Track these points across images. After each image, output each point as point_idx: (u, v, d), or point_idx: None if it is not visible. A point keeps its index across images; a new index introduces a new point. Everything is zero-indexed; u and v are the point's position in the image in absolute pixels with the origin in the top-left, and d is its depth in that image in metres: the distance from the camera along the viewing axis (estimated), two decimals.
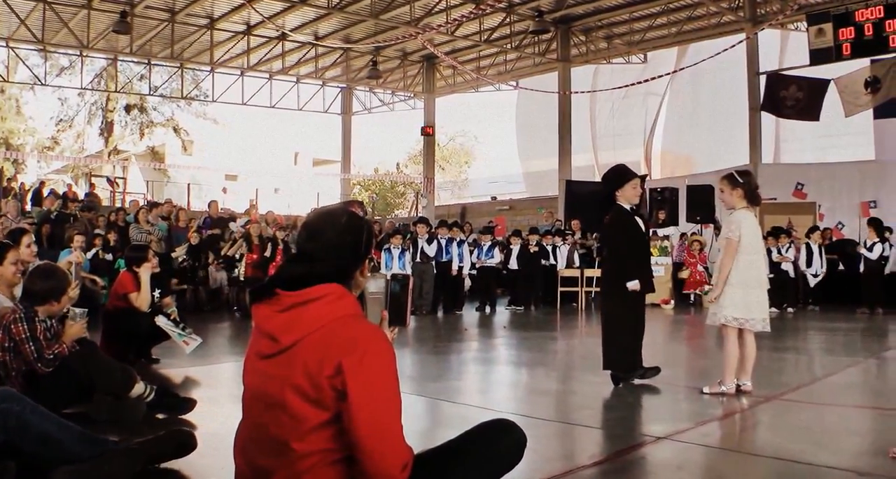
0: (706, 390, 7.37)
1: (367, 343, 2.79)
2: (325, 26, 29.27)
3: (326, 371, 2.71)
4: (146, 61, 31.23)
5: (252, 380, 2.97)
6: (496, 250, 19.88)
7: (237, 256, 17.85)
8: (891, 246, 18.40)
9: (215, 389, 7.89)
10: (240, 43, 30.50)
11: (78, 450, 4.30)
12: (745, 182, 7.40)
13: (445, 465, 3.08)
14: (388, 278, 3.60)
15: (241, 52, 31.06)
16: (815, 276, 19.22)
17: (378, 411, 2.73)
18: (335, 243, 2.99)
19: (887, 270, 18.28)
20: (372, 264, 2.87)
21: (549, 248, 20.51)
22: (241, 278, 17.44)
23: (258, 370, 2.92)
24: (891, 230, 19.02)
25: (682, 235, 21.36)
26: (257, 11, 24.80)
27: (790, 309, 18.06)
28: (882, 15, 22.05)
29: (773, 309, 17.61)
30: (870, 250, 18.25)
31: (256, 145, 50.11)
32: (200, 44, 29.80)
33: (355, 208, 3.19)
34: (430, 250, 18.33)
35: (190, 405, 6.40)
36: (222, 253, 18.58)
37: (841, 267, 20.26)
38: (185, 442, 4.86)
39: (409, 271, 17.82)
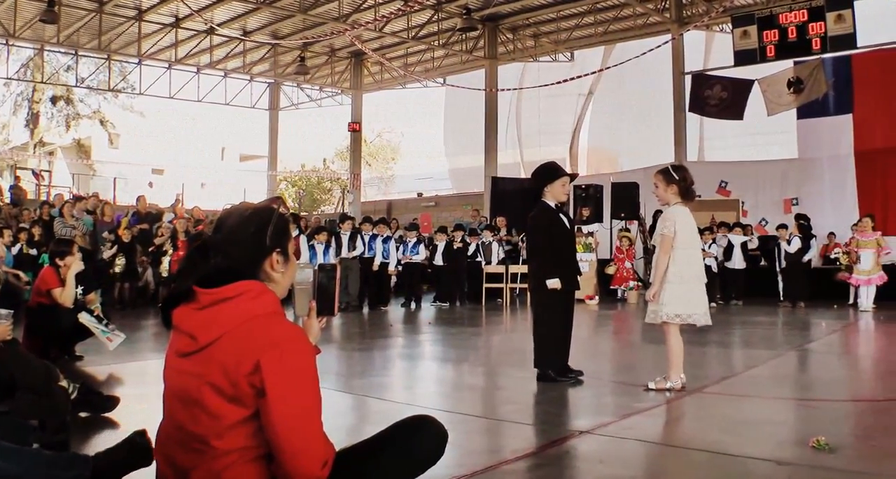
0: (651, 386, 7.31)
1: (285, 341, 2.74)
2: (254, 21, 29.06)
3: (244, 369, 2.67)
4: (73, 52, 30.80)
5: (171, 378, 2.90)
6: (421, 247, 19.86)
7: (164, 250, 17.64)
8: (809, 241, 18.75)
9: (139, 386, 7.74)
10: (168, 36, 30.17)
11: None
12: (680, 178, 7.33)
13: (366, 461, 3.05)
14: (315, 268, 3.57)
15: (169, 44, 30.71)
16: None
17: (296, 408, 2.70)
18: (236, 233, 2.93)
19: (809, 257, 18.69)
20: (285, 259, 2.79)
21: (476, 245, 20.52)
22: (166, 275, 17.23)
23: (177, 368, 2.85)
24: (810, 227, 19.35)
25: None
26: (186, 4, 24.63)
27: (713, 304, 18.25)
28: (805, 18, 22.55)
29: (714, 303, 17.95)
30: (791, 245, 18.54)
31: (183, 140, 49.65)
32: (128, 35, 29.40)
33: (275, 204, 3.12)
34: (357, 247, 18.27)
35: (113, 402, 6.26)
36: (150, 249, 18.35)
37: (763, 262, 20.61)
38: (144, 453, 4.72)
39: None
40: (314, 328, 3.23)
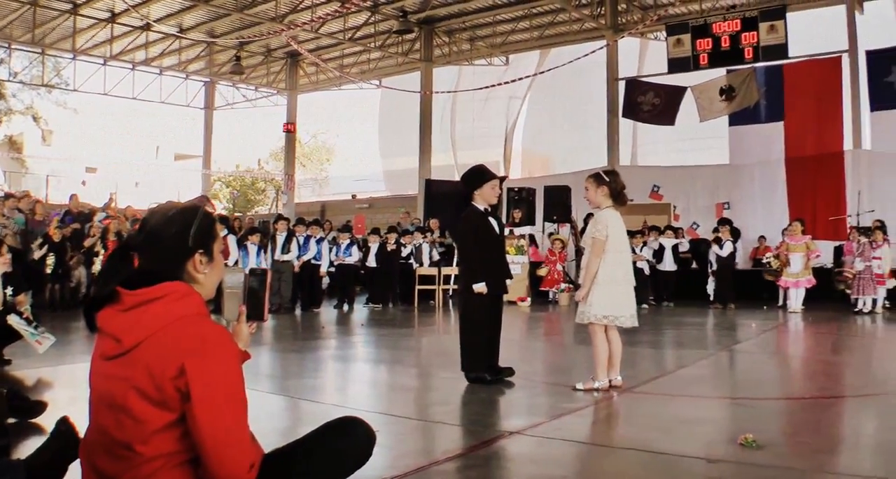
0: (579, 386, 7.35)
1: (210, 344, 2.71)
2: (190, 18, 28.77)
3: (169, 373, 2.63)
4: (6, 45, 30.19)
5: (96, 382, 2.84)
6: (354, 249, 19.78)
7: (94, 252, 17.41)
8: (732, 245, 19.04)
9: (69, 390, 7.58)
10: (103, 31, 29.66)
11: None
12: (610, 181, 7.39)
13: (294, 463, 3.02)
14: (247, 272, 3.49)
15: (105, 40, 30.25)
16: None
17: (222, 412, 2.66)
18: (158, 233, 2.89)
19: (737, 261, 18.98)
20: (206, 258, 2.75)
21: (410, 247, 20.52)
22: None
23: (102, 372, 2.80)
24: (738, 232, 19.61)
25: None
26: None
27: (644, 306, 18.40)
28: (739, 28, 22.94)
29: (645, 305, 18.06)
30: (721, 248, 18.77)
31: (118, 137, 49.03)
32: (63, 29, 28.98)
33: (203, 203, 3.06)
34: (293, 249, 18.20)
35: (41, 407, 6.13)
36: (81, 249, 18.08)
37: (695, 265, 20.86)
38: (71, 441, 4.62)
39: (266, 267, 17.63)
40: (244, 333, 3.21)
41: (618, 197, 7.43)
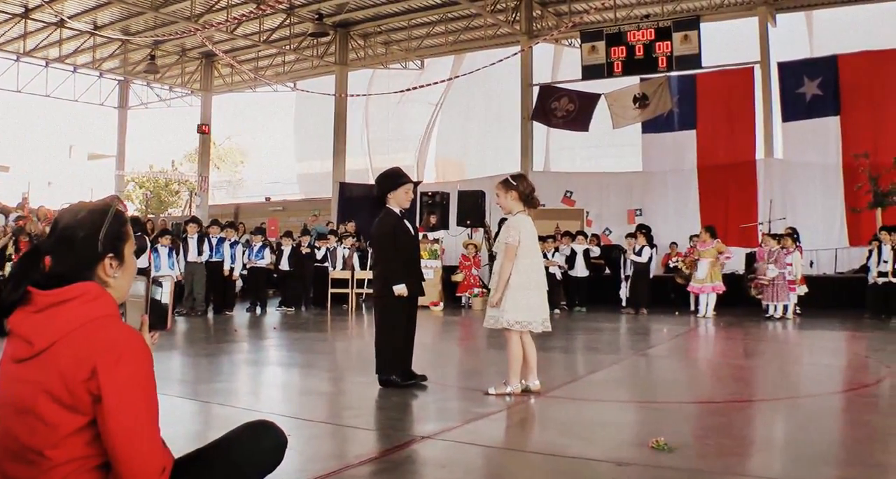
0: (492, 391, 7.31)
1: (122, 345, 2.64)
2: (105, 15, 28.34)
3: (81, 375, 2.55)
4: None
5: (5, 386, 2.74)
6: (266, 251, 19.63)
7: (7, 254, 17.06)
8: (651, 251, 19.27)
9: None
10: (17, 26, 29.09)
11: None
12: (518, 185, 7.41)
13: (204, 468, 2.97)
14: (149, 280, 3.40)
15: (18, 36, 29.68)
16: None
17: (132, 415, 2.59)
18: (67, 236, 2.81)
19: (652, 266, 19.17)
20: (119, 262, 2.68)
21: (323, 250, 20.43)
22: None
23: (11, 376, 2.70)
24: (651, 237, 19.85)
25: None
26: None
27: (557, 311, 18.49)
28: (653, 37, 23.20)
29: (557, 310, 18.14)
30: (638, 254, 18.96)
31: (30, 136, 48.05)
32: None
33: (115, 204, 2.99)
34: (204, 251, 18.02)
35: None
36: None
37: (607, 271, 21.05)
38: None
39: (178, 270, 17.43)
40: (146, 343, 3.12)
41: (528, 200, 7.47)
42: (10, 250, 17.13)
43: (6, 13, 28.14)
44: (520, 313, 7.28)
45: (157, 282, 3.09)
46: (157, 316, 3.06)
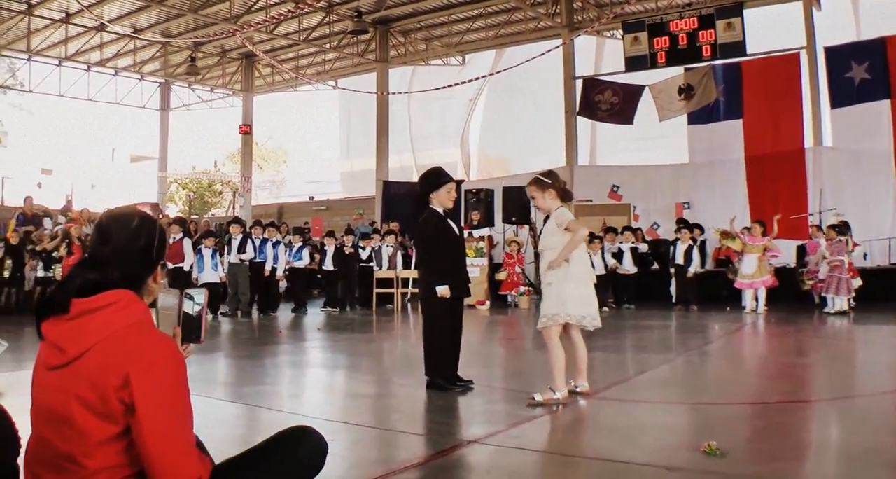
0: (537, 398, 6.93)
1: (155, 353, 2.60)
2: (145, 19, 28.45)
3: (114, 383, 2.51)
4: None
5: (38, 393, 2.74)
6: (305, 252, 19.60)
7: (56, 255, 17.16)
8: (700, 246, 19.00)
9: (21, 396, 7.39)
10: (58, 31, 29.31)
11: None
12: (553, 182, 7.26)
13: (244, 474, 2.95)
14: (182, 293, 3.34)
15: (60, 41, 29.87)
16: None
17: (167, 424, 2.55)
18: (126, 247, 2.80)
19: (693, 269, 18.73)
20: (166, 269, 2.67)
21: (368, 249, 20.37)
22: (56, 279, 16.75)
23: (44, 383, 2.69)
24: (702, 230, 19.56)
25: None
26: None
27: (605, 308, 18.29)
28: (696, 26, 22.88)
29: (605, 308, 18.00)
30: (688, 256, 18.68)
31: (73, 139, 48.59)
32: (17, 30, 28.60)
33: (150, 210, 2.94)
34: (248, 251, 18.03)
35: None
36: (38, 248, 17.82)
37: (655, 266, 20.74)
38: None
39: (221, 272, 17.48)
40: None
41: (565, 194, 7.33)
42: (63, 252, 17.20)
43: (47, 19, 28.33)
44: (575, 306, 7.08)
45: (189, 295, 3.04)
46: (190, 329, 3.02)
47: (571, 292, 7.07)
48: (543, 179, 7.27)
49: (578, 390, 7.25)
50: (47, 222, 20.08)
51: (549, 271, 7.18)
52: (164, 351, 2.64)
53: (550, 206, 7.26)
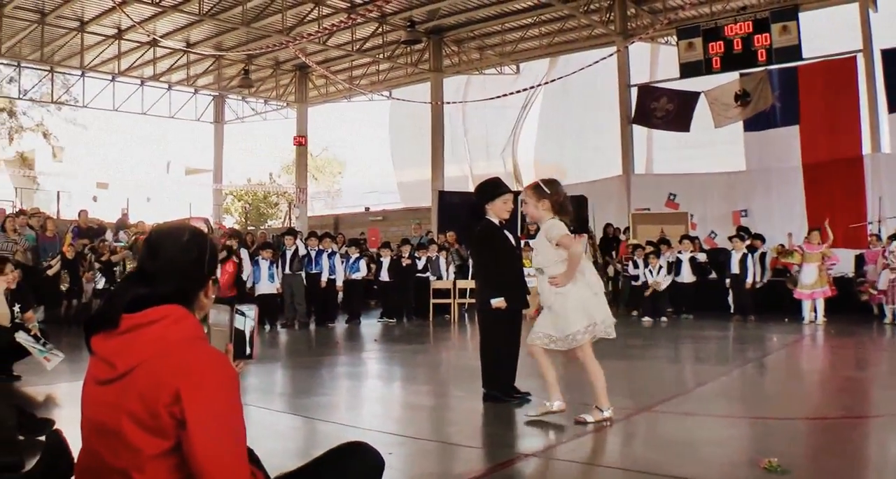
0: (590, 419, 6.59)
1: (206, 369, 2.59)
2: (197, 33, 28.79)
3: (164, 399, 2.49)
4: (15, 64, 30.31)
5: (88, 408, 2.73)
6: (362, 263, 19.59)
7: (117, 269, 17.37)
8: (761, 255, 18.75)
9: (75, 408, 7.48)
10: (111, 47, 29.77)
11: None
12: (552, 193, 6.84)
13: None
14: (233, 309, 3.32)
15: (112, 56, 30.31)
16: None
17: (218, 440, 2.53)
18: (177, 261, 2.79)
19: (751, 280, 18.50)
20: (217, 284, 2.68)
21: (424, 259, 20.35)
22: None
23: (94, 397, 2.69)
24: (763, 240, 19.29)
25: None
26: (128, 16, 24.22)
27: (664, 319, 18.14)
28: (751, 30, 22.62)
29: (664, 318, 17.77)
30: (743, 267, 18.46)
31: (128, 153, 49.14)
32: (71, 47, 29.02)
33: (199, 224, 2.95)
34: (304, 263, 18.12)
35: (48, 425, 6.00)
36: (104, 258, 18.04)
37: (713, 275, 20.46)
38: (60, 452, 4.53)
39: (278, 283, 17.57)
40: None
41: (560, 208, 6.86)
42: (130, 264, 17.38)
43: (100, 35, 28.80)
44: (582, 319, 6.70)
45: (240, 311, 3.05)
46: (242, 346, 3.02)
47: (593, 301, 6.76)
48: (543, 187, 6.88)
49: (554, 409, 6.85)
50: (109, 235, 20.28)
51: (552, 291, 6.79)
52: (215, 366, 2.64)
53: (541, 216, 6.88)
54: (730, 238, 19.51)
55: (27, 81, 32.04)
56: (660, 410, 7.29)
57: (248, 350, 3.04)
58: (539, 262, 6.91)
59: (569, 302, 6.69)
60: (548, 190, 6.85)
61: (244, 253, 17.47)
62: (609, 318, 6.86)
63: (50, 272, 17.21)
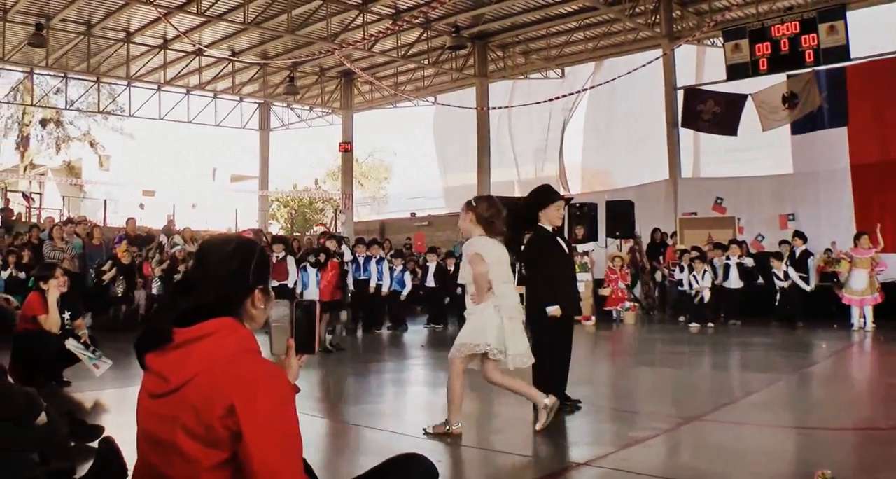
0: (429, 429, 6.61)
1: (260, 382, 2.59)
2: (242, 41, 29.04)
3: (218, 412, 2.51)
4: (62, 75, 30.80)
5: (143, 420, 2.75)
6: (407, 276, 19.52)
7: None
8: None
9: (126, 414, 7.54)
10: (156, 57, 30.16)
11: None
12: (476, 206, 6.74)
13: None
14: (294, 304, 3.29)
15: (158, 66, 30.69)
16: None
17: (275, 452, 2.53)
18: (218, 270, 2.80)
19: (788, 284, 18.34)
20: (266, 295, 2.65)
21: None
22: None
23: (149, 410, 2.70)
24: (803, 238, 19.05)
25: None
26: (173, 26, 24.46)
27: (710, 325, 17.99)
28: (798, 30, 22.31)
29: (711, 324, 17.61)
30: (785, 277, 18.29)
31: (174, 161, 49.52)
32: (117, 57, 29.37)
33: (258, 237, 2.97)
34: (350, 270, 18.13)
35: (98, 431, 6.09)
36: (164, 266, 18.23)
37: (761, 280, 20.22)
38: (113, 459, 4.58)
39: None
40: (293, 367, 3.06)
41: (487, 225, 6.72)
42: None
43: (146, 46, 29.16)
44: (472, 336, 6.71)
45: (302, 305, 3.06)
46: (304, 340, 3.03)
47: (501, 327, 6.66)
48: (471, 201, 6.85)
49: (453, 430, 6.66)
50: (164, 238, 20.52)
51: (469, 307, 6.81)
52: (269, 380, 2.63)
53: (468, 230, 6.81)
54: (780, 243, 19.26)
55: (74, 91, 32.45)
56: (709, 419, 7.25)
57: (309, 345, 3.05)
58: (462, 278, 6.95)
59: (472, 320, 6.73)
60: (474, 204, 6.77)
61: (290, 260, 17.52)
62: (520, 348, 6.79)
63: (105, 277, 17.45)
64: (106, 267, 17.71)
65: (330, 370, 11.42)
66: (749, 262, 19.72)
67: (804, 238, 19.03)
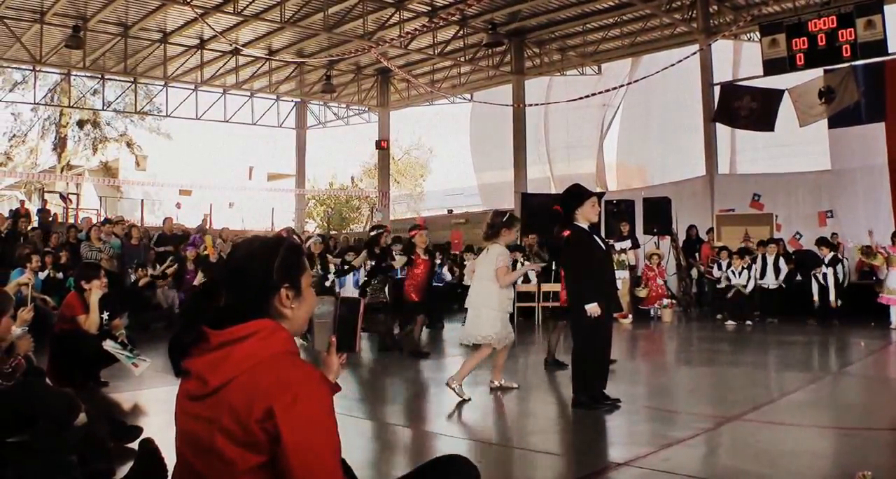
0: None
1: (298, 385, 2.58)
2: (279, 40, 29.11)
3: (256, 415, 2.51)
4: (99, 76, 30.90)
5: (182, 422, 2.76)
6: (445, 270, 19.54)
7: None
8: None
9: (164, 414, 7.61)
10: (193, 57, 30.24)
11: None
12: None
13: None
14: (337, 301, 3.33)
15: (195, 66, 30.78)
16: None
17: (313, 456, 2.54)
18: (242, 269, 2.80)
19: (831, 283, 18.16)
20: (293, 292, 2.67)
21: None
22: None
23: (187, 412, 2.72)
24: (830, 246, 18.83)
25: None
26: (210, 26, 24.59)
27: (749, 323, 17.89)
28: (835, 25, 22.10)
29: (749, 322, 17.49)
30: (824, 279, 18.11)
31: (210, 160, 49.70)
32: (154, 58, 29.56)
33: (288, 236, 3.00)
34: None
35: (136, 432, 6.17)
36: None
37: (799, 277, 20.04)
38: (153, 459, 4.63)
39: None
40: (334, 365, 3.10)
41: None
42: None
43: (183, 46, 29.37)
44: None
45: (345, 303, 3.07)
46: (346, 338, 3.05)
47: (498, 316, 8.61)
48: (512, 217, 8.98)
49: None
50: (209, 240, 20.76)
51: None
52: (308, 382, 2.61)
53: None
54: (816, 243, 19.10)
55: (111, 92, 32.61)
56: (749, 419, 7.24)
57: (351, 343, 3.07)
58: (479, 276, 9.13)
59: (487, 315, 8.87)
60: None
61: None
62: (509, 331, 8.95)
63: (169, 271, 17.77)
64: (167, 268, 17.99)
65: (368, 369, 11.46)
66: (784, 267, 19.44)
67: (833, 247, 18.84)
